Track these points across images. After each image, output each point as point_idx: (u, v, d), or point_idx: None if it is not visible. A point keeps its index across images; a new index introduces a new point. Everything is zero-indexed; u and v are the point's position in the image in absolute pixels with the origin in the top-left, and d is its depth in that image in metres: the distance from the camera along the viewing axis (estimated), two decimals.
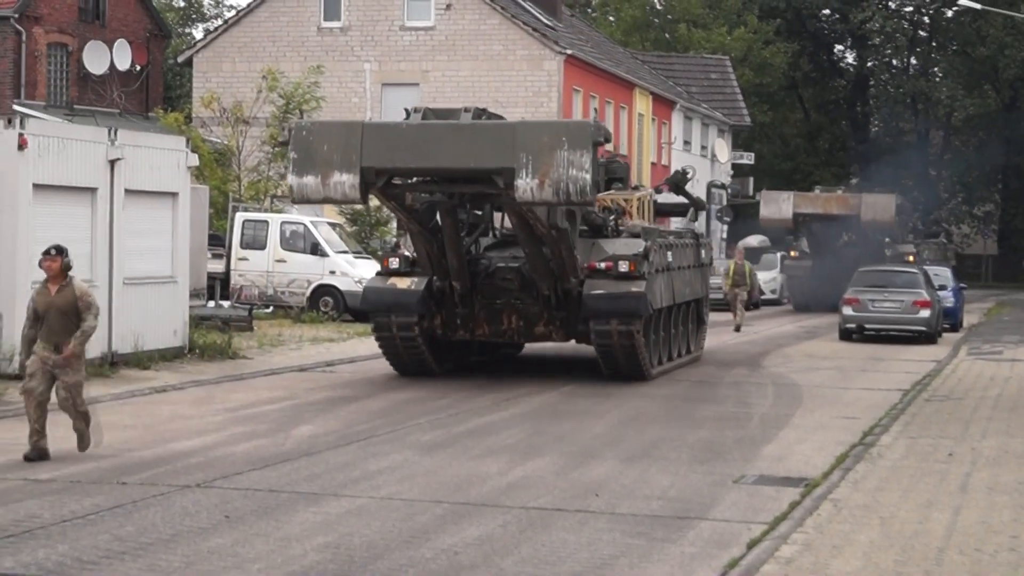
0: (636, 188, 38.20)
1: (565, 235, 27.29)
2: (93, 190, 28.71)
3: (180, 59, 71.31)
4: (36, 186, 26.59)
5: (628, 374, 28.96)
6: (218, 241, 45.97)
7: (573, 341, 30.73)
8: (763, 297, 60.10)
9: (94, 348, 28.33)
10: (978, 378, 31.46)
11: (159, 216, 30.23)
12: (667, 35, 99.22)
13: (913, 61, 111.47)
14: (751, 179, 79.85)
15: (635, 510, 16.13)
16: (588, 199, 24.01)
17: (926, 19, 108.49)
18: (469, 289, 28.78)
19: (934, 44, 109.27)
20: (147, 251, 29.98)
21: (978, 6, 79.34)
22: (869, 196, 58.66)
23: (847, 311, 44.02)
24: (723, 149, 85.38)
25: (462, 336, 29.88)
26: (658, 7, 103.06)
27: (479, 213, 29.36)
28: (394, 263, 29.43)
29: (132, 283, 29.51)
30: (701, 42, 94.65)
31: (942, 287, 47.84)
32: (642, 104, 72.29)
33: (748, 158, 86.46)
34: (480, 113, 26.89)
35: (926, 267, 50.82)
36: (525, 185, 23.34)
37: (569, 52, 64.85)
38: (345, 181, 24.08)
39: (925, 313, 43.30)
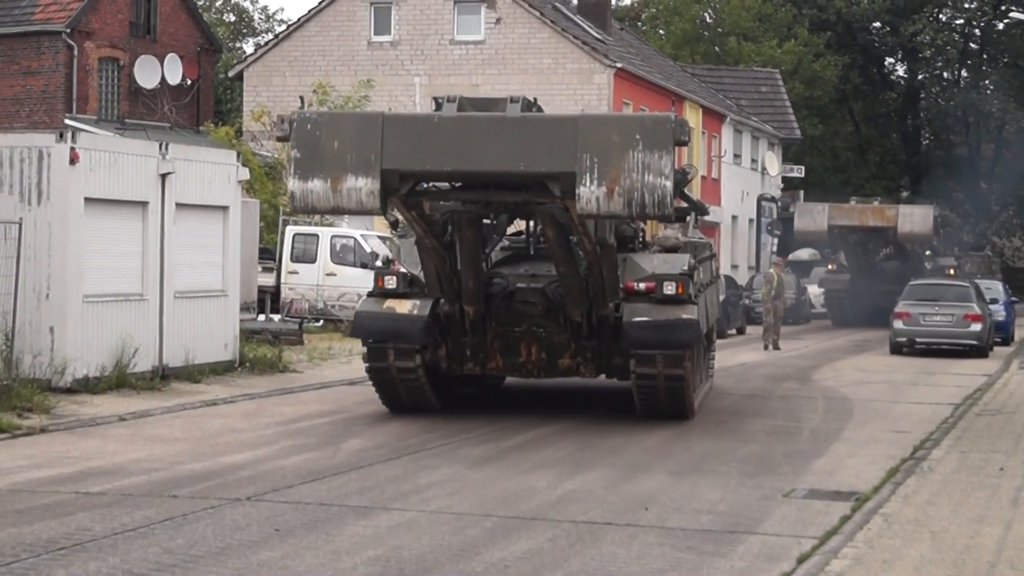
0: None
1: (611, 251, 22.49)
2: (144, 204, 28.80)
3: (231, 73, 71.67)
4: (87, 200, 26.70)
5: (669, 414, 23.92)
6: (268, 255, 46.19)
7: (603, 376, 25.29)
8: (812, 311, 59.97)
9: (145, 362, 28.60)
10: None
11: (210, 230, 30.32)
12: (717, 48, 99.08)
13: (964, 74, 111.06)
14: (801, 192, 79.60)
15: (685, 524, 16.10)
16: (668, 212, 19.21)
17: (977, 32, 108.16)
18: (482, 314, 23.60)
19: (985, 57, 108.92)
20: (198, 265, 30.04)
21: None
22: (906, 208, 58.30)
23: (898, 324, 43.96)
24: (773, 162, 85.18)
25: (471, 370, 24.51)
26: (708, 20, 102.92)
27: (494, 223, 23.91)
28: (391, 283, 23.75)
29: (183, 296, 29.64)
30: (751, 55, 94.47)
31: (993, 300, 47.75)
32: (692, 117, 72.22)
33: (798, 171, 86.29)
34: (529, 104, 21.12)
35: (977, 280, 50.61)
36: (589, 194, 18.36)
37: (619, 65, 64.88)
38: (361, 187, 18.86)
39: (976, 327, 43.24)
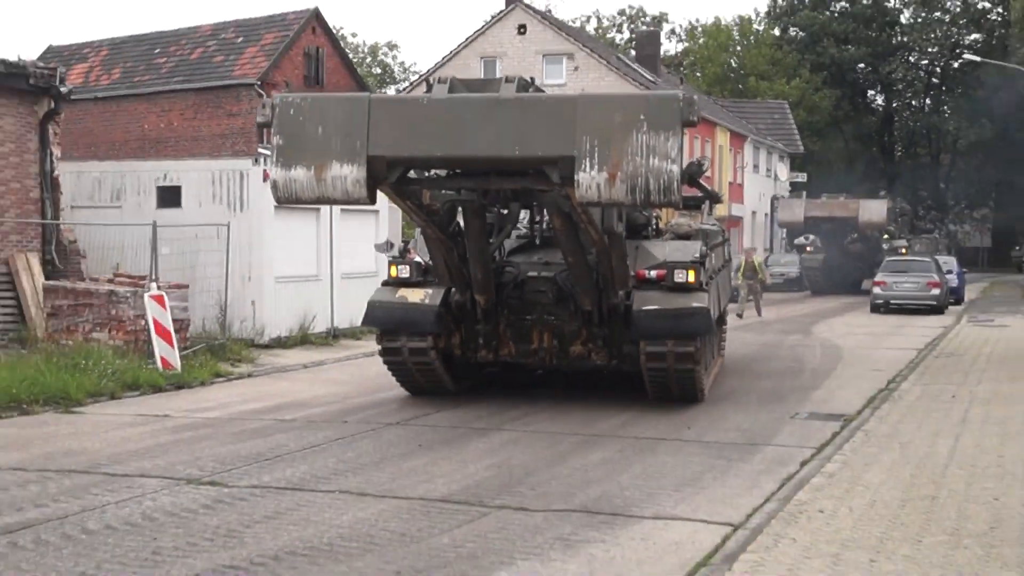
0: None
1: (619, 240, 17.66)
2: (317, 210, 29.23)
3: None
4: (275, 208, 27.13)
5: (679, 399, 19.15)
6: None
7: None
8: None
9: (320, 325, 29.02)
10: (975, 340, 31.23)
11: (365, 228, 30.59)
12: (740, 86, 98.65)
13: (928, 102, 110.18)
14: (804, 193, 78.95)
15: (717, 439, 16.30)
16: (674, 199, 13.90)
17: (938, 69, 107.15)
18: (494, 303, 18.89)
19: (944, 88, 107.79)
20: (355, 253, 30.31)
21: (977, 59, 78.29)
22: (865, 201, 57.62)
23: (876, 290, 44.00)
24: (783, 171, 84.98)
25: (484, 357, 19.65)
26: (733, 65, 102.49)
27: (505, 212, 18.55)
28: (404, 272, 19.19)
29: (346, 277, 29.99)
30: (766, 90, 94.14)
31: (949, 271, 47.59)
32: (722, 138, 71.97)
33: (801, 177, 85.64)
34: (527, 84, 16.03)
35: (937, 256, 50.41)
36: (589, 180, 13.65)
37: None
38: (347, 175, 14.19)
39: (936, 291, 43.30)
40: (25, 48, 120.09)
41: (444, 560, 10.07)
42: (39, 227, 27.18)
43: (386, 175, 14.54)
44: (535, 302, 18.61)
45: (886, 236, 56.81)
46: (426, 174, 16.08)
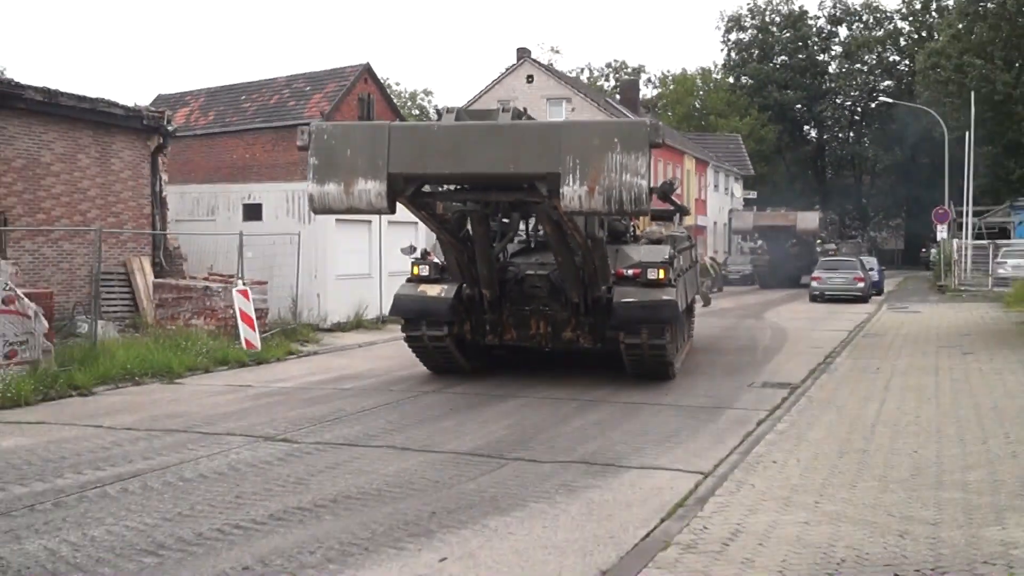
0: None
1: (600, 244, 17.40)
2: (368, 221, 29.16)
3: None
4: (336, 220, 27.12)
5: (653, 376, 18.63)
6: None
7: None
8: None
9: (371, 313, 28.94)
10: (893, 323, 30.99)
11: (406, 236, 30.42)
12: (703, 122, 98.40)
13: (851, 134, 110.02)
14: (754, 207, 78.69)
15: (690, 403, 16.09)
16: (644, 208, 13.98)
17: (859, 108, 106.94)
18: (498, 296, 18.64)
19: (864, 123, 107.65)
20: (399, 256, 30.25)
21: (890, 100, 78.24)
22: (802, 213, 57.59)
23: (814, 284, 43.77)
24: (737, 189, 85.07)
25: (491, 341, 19.22)
26: (697, 106, 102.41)
27: (507, 221, 18.86)
28: (424, 270, 19.04)
29: (392, 275, 29.75)
30: (723, 126, 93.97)
31: (871, 269, 47.30)
32: (689, 164, 71.60)
33: (752, 194, 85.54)
34: (520, 114, 16.40)
35: (861, 257, 50.14)
36: (572, 193, 13.64)
37: None
38: (371, 189, 14.30)
39: (861, 284, 43.08)
40: (140, 95, 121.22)
41: (471, 502, 10.00)
42: (150, 237, 27.59)
43: (403, 189, 14.40)
44: (532, 295, 18.25)
45: (819, 241, 56.62)
46: (438, 189, 15.77)
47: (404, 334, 19.15)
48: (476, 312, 18.72)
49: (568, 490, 10.47)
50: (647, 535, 8.81)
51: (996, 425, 13.51)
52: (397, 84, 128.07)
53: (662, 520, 9.27)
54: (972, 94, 56.02)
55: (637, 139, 13.36)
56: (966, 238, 53.06)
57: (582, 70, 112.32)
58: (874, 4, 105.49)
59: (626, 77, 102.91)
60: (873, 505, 9.51)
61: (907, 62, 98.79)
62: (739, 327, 30.37)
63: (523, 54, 67.42)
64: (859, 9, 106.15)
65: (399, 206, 15.02)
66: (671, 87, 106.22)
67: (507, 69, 66.82)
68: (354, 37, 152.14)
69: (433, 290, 18.58)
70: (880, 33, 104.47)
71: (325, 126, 14.53)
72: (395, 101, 67.38)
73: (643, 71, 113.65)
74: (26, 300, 17.28)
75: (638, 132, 13.43)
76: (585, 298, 17.96)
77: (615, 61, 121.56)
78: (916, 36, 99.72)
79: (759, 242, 58.46)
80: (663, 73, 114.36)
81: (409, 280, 19.16)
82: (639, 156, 13.28)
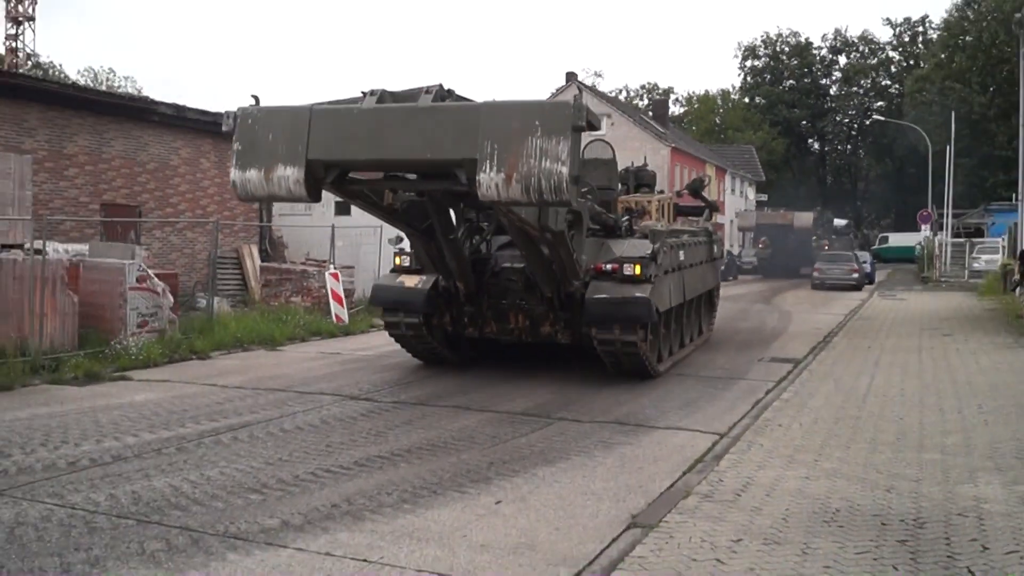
0: (660, 192, 22.42)
1: (562, 238, 13.56)
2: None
3: None
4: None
5: (633, 375, 15.38)
6: None
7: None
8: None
9: None
10: (883, 309, 30.56)
11: None
12: (722, 136, 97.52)
13: (849, 147, 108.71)
14: (765, 208, 77.85)
15: (708, 374, 15.95)
16: (564, 198, 10.56)
17: (856, 125, 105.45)
18: (475, 289, 15.51)
19: (859, 138, 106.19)
20: None
21: (883, 118, 77.32)
22: (798, 213, 56.47)
23: (815, 274, 43.21)
24: (751, 193, 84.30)
25: (472, 333, 16.14)
26: (717, 122, 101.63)
27: (490, 211, 14.91)
28: (406, 261, 16.10)
29: None
30: (740, 138, 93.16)
31: (864, 262, 46.67)
32: (710, 170, 70.94)
33: (763, 197, 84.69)
34: (445, 95, 11.95)
35: (856, 252, 49.39)
36: (489, 181, 10.51)
37: (673, 145, 64.05)
38: (289, 176, 11.36)
39: (855, 275, 42.54)
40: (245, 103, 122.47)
41: (522, 455, 9.96)
42: (258, 228, 27.78)
43: (324, 176, 11.45)
44: (509, 288, 15.21)
45: (814, 238, 55.76)
46: (367, 176, 12.71)
47: (383, 322, 16.57)
48: (455, 304, 15.87)
49: (604, 446, 10.39)
50: (671, 485, 8.76)
51: (970, 397, 13.30)
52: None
53: (684, 473, 9.21)
54: (952, 114, 55.57)
55: (558, 121, 10.24)
56: (946, 236, 52.35)
57: (620, 90, 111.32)
58: (869, 36, 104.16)
59: (657, 97, 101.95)
60: (864, 464, 9.37)
61: (897, 86, 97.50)
62: (750, 311, 30.09)
63: (571, 77, 67.12)
64: (856, 41, 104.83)
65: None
66: (696, 105, 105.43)
67: (557, 89, 66.41)
68: (429, 60, 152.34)
69: (411, 281, 15.90)
70: (874, 61, 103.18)
71: (250, 110, 11.63)
72: None
73: (672, 91, 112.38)
74: (156, 279, 17.48)
75: (559, 114, 10.32)
76: (559, 293, 14.96)
77: (648, 83, 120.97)
78: (905, 64, 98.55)
79: (763, 238, 57.75)
80: (689, 93, 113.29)
81: (392, 271, 16.41)
82: (560, 140, 10.16)
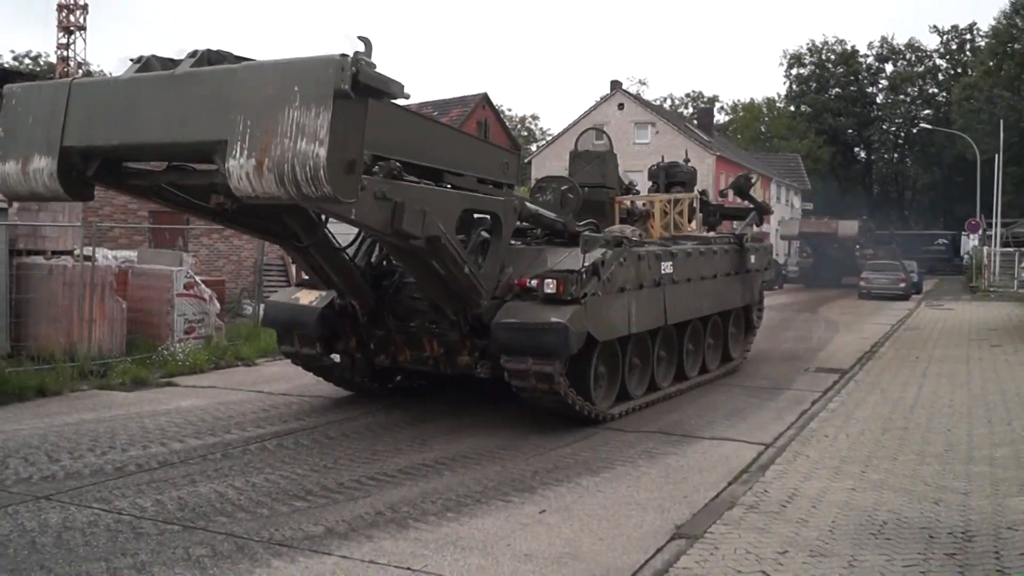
0: (702, 192, 19.07)
1: (439, 245, 9.89)
2: None
3: (525, 160, 71.60)
4: None
5: (564, 417, 11.74)
6: None
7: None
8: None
9: None
10: (931, 318, 30.17)
11: None
12: (767, 144, 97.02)
13: (896, 155, 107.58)
14: (812, 216, 77.21)
15: (754, 384, 15.83)
16: (325, 191, 6.96)
17: (903, 134, 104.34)
18: (374, 308, 12.09)
19: (906, 146, 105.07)
20: None
21: (930, 127, 76.57)
22: (842, 221, 55.67)
23: (862, 283, 42.88)
24: (796, 201, 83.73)
25: (382, 362, 12.63)
26: (763, 130, 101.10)
27: None
28: (307, 274, 12.26)
29: None
30: (785, 147, 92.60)
31: (912, 271, 46.12)
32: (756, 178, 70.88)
33: (809, 206, 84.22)
34: (218, 58, 8.16)
35: (903, 261, 48.79)
36: (239, 169, 7.09)
37: (719, 153, 63.93)
38: (43, 168, 8.28)
39: (903, 284, 42.19)
40: None
41: (566, 464, 9.92)
42: None
43: (83, 167, 8.52)
44: (415, 308, 11.90)
45: (857, 247, 55.06)
46: (143, 166, 9.28)
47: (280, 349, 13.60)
48: (358, 327, 12.50)
49: (649, 456, 10.33)
50: (716, 496, 8.68)
51: (1020, 408, 13.07)
52: (509, 110, 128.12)
53: (729, 484, 9.12)
54: (1001, 122, 54.86)
55: (318, 86, 7.10)
56: (995, 246, 51.63)
57: (665, 99, 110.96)
58: (916, 44, 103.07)
59: (702, 105, 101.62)
60: (912, 476, 9.23)
61: (944, 94, 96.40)
62: (796, 320, 29.84)
63: (615, 85, 67.13)
64: (903, 48, 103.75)
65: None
66: (741, 114, 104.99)
67: (602, 98, 66.57)
68: (473, 70, 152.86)
69: (307, 297, 12.73)
70: (921, 69, 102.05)
71: (16, 88, 8.90)
72: (508, 124, 67.58)
73: (717, 100, 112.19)
74: (203, 286, 17.64)
75: (318, 75, 7.13)
76: (466, 315, 11.53)
77: (693, 91, 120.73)
78: (952, 72, 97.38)
79: (804, 247, 57.13)
80: (734, 102, 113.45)
81: (297, 283, 13.36)
82: (320, 112, 7.02)
